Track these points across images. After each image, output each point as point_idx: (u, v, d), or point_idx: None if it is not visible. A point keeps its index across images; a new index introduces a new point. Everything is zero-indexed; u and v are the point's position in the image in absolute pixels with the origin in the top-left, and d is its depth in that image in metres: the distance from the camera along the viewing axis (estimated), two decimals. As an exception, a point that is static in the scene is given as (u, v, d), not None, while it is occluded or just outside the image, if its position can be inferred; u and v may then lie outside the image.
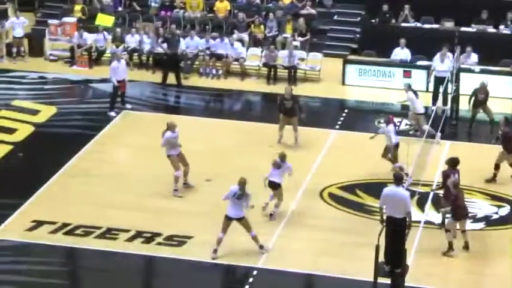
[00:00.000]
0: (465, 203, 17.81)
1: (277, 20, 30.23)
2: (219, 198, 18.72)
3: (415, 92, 23.13)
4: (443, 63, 25.45)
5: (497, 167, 20.72)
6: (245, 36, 29.74)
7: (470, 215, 19.10)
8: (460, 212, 17.49)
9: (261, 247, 17.45)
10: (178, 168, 19.91)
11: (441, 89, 24.78)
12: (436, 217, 18.96)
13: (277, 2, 31.39)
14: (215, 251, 17.33)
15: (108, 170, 21.37)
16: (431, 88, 25.79)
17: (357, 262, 17.12)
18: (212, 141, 22.97)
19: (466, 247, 17.63)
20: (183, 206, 19.47)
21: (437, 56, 25.83)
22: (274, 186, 18.88)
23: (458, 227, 17.58)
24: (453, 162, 18.47)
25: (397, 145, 20.71)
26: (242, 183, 17.25)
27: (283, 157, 18.98)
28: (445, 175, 18.21)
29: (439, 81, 25.40)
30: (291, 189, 20.26)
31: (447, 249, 17.51)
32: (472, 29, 29.17)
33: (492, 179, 20.73)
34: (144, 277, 17.54)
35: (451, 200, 17.44)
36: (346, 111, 25.99)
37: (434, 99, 25.28)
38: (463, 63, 26.25)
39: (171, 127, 20.03)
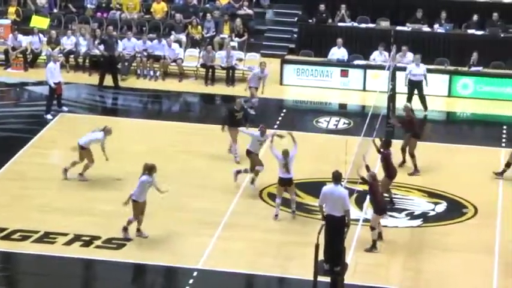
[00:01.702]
0: (383, 196, 18.14)
1: (215, 20, 30.20)
2: (158, 199, 18.63)
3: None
4: (418, 67, 25.65)
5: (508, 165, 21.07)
6: (182, 37, 29.64)
7: (408, 212, 19.34)
8: (381, 206, 17.66)
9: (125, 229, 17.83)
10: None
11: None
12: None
13: (214, 2, 31.35)
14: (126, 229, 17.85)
15: (45, 173, 21.10)
16: (406, 90, 25.92)
17: (296, 261, 17.16)
18: (151, 143, 22.83)
19: (380, 237, 17.83)
20: (122, 208, 19.27)
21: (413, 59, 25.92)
22: (288, 182, 18.88)
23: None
24: (388, 143, 19.15)
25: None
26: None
27: (285, 153, 18.90)
28: (385, 156, 18.97)
29: (414, 84, 25.62)
30: (230, 190, 20.27)
31: (370, 246, 17.56)
32: (408, 28, 29.48)
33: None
34: (83, 281, 17.35)
35: (374, 194, 17.63)
36: (284, 111, 26.06)
37: (409, 102, 25.53)
38: (399, 62, 26.50)
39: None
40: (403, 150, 21.40)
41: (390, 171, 19.26)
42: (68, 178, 20.54)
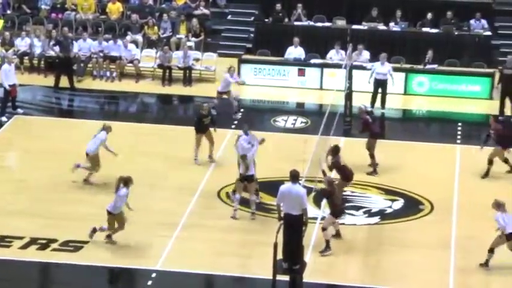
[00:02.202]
0: (341, 199, 18.03)
1: (171, 20, 30.12)
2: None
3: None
4: (383, 65, 25.78)
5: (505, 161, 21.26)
6: (139, 37, 29.53)
7: (365, 209, 19.46)
8: (338, 209, 17.68)
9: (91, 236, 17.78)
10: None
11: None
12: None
13: (171, 2, 31.27)
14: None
15: (1, 175, 20.90)
16: (370, 89, 26.03)
17: (256, 260, 17.19)
18: (108, 144, 22.69)
19: (338, 235, 17.91)
20: (79, 210, 19.19)
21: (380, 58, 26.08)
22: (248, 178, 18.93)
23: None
24: (336, 150, 18.96)
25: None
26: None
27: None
28: (336, 165, 18.90)
29: (378, 83, 25.75)
30: (188, 190, 20.24)
31: (324, 248, 17.51)
32: (363, 26, 29.65)
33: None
34: (41, 285, 17.22)
35: (330, 197, 17.58)
36: (242, 110, 26.06)
37: (373, 101, 25.67)
38: (355, 60, 26.65)
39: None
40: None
41: (346, 174, 19.20)
42: (92, 183, 20.34)
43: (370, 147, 21.33)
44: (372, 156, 21.31)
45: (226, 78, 24.92)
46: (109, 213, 17.57)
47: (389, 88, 25.94)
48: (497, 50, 29.35)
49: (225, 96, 25.07)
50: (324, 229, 17.51)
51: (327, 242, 17.52)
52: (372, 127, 21.43)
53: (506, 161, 21.18)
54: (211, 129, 21.71)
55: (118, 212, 17.58)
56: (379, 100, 25.88)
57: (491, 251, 17.08)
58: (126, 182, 17.59)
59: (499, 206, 17.05)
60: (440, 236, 18.46)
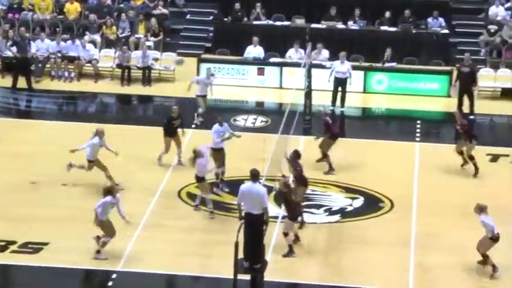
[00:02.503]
0: (297, 202, 17.73)
1: (130, 20, 30.03)
2: (75, 202, 18.47)
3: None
4: (343, 64, 25.86)
5: (471, 158, 21.22)
6: (97, 37, 29.39)
7: (326, 208, 19.54)
8: (295, 213, 17.55)
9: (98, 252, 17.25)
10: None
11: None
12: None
13: (129, 2, 31.17)
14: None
15: (-41, 178, 20.71)
16: (329, 87, 26.10)
17: (217, 260, 17.16)
18: (67, 145, 22.51)
19: (297, 239, 17.82)
20: (39, 212, 19.04)
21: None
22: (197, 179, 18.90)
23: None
24: (296, 155, 18.76)
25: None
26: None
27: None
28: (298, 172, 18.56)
29: (338, 82, 25.82)
30: (148, 190, 20.17)
31: (287, 252, 17.41)
32: (322, 25, 29.77)
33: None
34: (0, 287, 17.07)
35: (287, 199, 17.41)
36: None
37: (334, 99, 25.72)
38: (314, 59, 26.74)
39: None
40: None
41: (303, 181, 18.99)
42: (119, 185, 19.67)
43: (325, 147, 21.32)
44: (325, 155, 21.29)
45: (203, 79, 24.50)
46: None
47: (348, 87, 26.06)
48: (454, 47, 29.64)
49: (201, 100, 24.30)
50: (285, 234, 17.42)
51: (290, 246, 17.45)
52: (332, 128, 21.47)
53: (461, 153, 21.32)
54: (180, 131, 21.46)
55: (105, 219, 17.17)
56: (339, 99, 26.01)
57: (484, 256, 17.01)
58: (109, 191, 17.20)
59: (481, 209, 16.97)
60: (400, 234, 18.58)
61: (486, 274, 16.83)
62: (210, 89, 24.52)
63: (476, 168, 21.09)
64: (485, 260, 16.99)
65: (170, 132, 21.30)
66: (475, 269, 17.11)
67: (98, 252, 17.17)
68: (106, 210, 17.11)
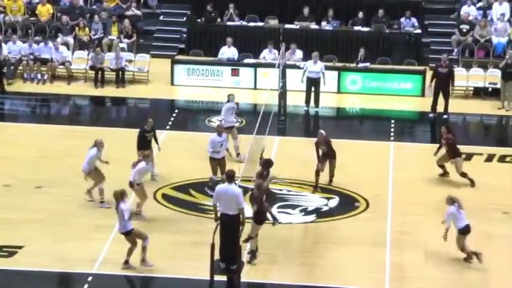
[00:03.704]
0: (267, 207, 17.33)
1: (102, 22, 29.90)
2: (50, 205, 18.34)
3: None
4: (316, 64, 25.88)
5: (463, 175, 20.79)
6: (70, 39, 29.26)
7: (301, 208, 19.57)
8: (262, 217, 17.25)
9: (143, 260, 16.92)
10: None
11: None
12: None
13: (102, 3, 31.04)
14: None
15: None
16: (304, 88, 26.09)
17: (193, 261, 17.11)
18: (41, 147, 22.44)
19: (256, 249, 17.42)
20: (14, 215, 18.91)
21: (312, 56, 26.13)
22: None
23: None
24: (267, 164, 18.16)
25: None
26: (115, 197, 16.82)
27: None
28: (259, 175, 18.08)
29: (311, 82, 25.85)
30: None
31: (250, 257, 17.15)
32: (296, 26, 29.81)
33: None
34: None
35: (257, 202, 17.16)
36: (176, 111, 26.01)
37: (307, 99, 25.85)
38: (288, 59, 26.77)
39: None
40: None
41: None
42: (105, 203, 19.37)
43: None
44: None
45: (229, 107, 22.02)
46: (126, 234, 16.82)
47: (322, 87, 26.10)
48: (427, 47, 29.80)
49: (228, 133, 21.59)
50: (250, 238, 17.09)
51: (253, 251, 17.21)
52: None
53: (442, 166, 21.18)
54: (157, 148, 20.73)
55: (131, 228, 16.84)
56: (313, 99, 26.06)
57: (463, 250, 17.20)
58: (122, 195, 16.90)
59: (452, 201, 17.22)
60: (375, 233, 18.64)
61: (468, 269, 16.92)
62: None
63: (472, 182, 20.70)
64: (467, 254, 17.14)
65: (143, 146, 20.39)
66: (450, 267, 17.20)
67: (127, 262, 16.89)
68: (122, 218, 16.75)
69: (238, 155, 21.46)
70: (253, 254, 17.30)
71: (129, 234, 16.77)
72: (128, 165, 21.32)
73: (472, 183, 20.69)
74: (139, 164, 18.60)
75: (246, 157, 20.20)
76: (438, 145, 21.06)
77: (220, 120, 22.12)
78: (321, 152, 20.43)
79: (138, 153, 20.23)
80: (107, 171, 19.70)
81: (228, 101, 21.91)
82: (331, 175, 20.60)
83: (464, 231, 17.14)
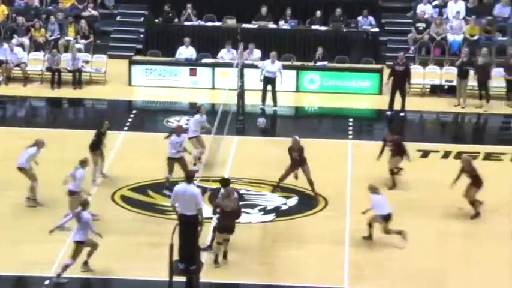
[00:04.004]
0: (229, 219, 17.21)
1: (58, 22, 29.67)
2: (6, 208, 18.15)
3: None
4: (273, 64, 25.87)
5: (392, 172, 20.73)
6: (25, 40, 28.99)
7: (260, 207, 19.58)
8: (225, 224, 17.17)
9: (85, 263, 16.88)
10: None
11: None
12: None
13: (57, 4, 30.79)
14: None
15: None
16: (260, 87, 26.09)
17: (152, 262, 17.04)
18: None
19: (225, 257, 17.42)
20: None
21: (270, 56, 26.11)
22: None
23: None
24: (226, 183, 17.80)
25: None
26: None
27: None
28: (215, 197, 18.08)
29: (268, 81, 25.84)
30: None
31: (214, 260, 17.12)
32: (253, 25, 29.82)
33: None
34: None
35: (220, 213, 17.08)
36: (134, 112, 25.89)
37: (263, 98, 25.90)
38: (246, 59, 26.76)
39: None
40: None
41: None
42: (39, 203, 19.30)
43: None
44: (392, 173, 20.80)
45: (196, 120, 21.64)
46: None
47: (279, 86, 26.11)
48: (384, 46, 29.96)
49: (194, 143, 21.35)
50: (210, 246, 17.02)
51: (216, 256, 17.11)
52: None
53: (393, 172, 20.90)
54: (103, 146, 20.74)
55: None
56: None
57: (388, 232, 17.89)
58: (85, 204, 16.83)
59: (373, 189, 18.00)
60: (334, 231, 18.70)
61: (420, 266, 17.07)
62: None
63: (394, 183, 20.73)
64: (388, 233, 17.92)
65: (96, 148, 20.45)
66: (409, 263, 17.32)
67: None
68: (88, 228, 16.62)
69: (195, 164, 21.08)
70: (216, 259, 17.17)
71: (83, 243, 16.53)
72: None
73: (394, 185, 20.60)
74: (78, 172, 18.32)
75: (204, 160, 20.15)
76: (381, 148, 20.79)
77: (178, 121, 22.04)
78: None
79: (91, 154, 20.21)
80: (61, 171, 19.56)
81: (197, 112, 21.57)
82: (311, 183, 20.15)
83: (387, 218, 17.73)
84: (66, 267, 16.41)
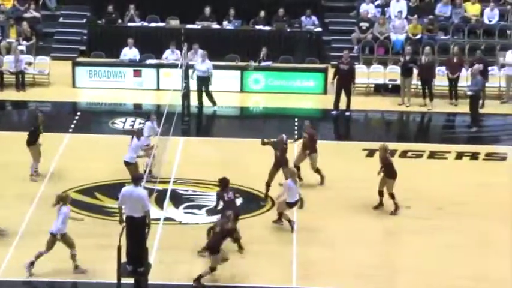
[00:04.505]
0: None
1: (0, 24, 29.31)
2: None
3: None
4: (204, 62, 25.85)
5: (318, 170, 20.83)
6: (-34, 42, 28.61)
7: (208, 208, 19.60)
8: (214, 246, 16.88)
9: (76, 267, 16.79)
10: None
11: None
12: (176, 213, 19.34)
13: (-1, 6, 30.46)
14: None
15: None
16: (194, 87, 26.07)
17: (100, 264, 16.97)
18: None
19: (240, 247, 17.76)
20: None
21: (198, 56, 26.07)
22: None
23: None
24: (225, 183, 18.08)
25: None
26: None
27: None
28: (220, 196, 18.00)
29: (200, 80, 25.81)
30: (26, 199, 19.78)
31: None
32: (197, 26, 29.83)
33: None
34: None
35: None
36: (78, 113, 25.73)
37: (199, 98, 25.89)
38: (191, 59, 26.75)
39: None
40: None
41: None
42: None
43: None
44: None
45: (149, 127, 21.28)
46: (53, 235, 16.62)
47: (227, 86, 26.15)
48: (328, 45, 30.16)
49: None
50: (212, 270, 16.80)
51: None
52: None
53: (299, 168, 20.90)
54: (39, 142, 20.75)
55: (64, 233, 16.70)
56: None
57: (280, 215, 18.70)
58: (63, 199, 16.75)
59: (291, 174, 18.75)
60: (282, 231, 18.78)
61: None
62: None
63: (322, 179, 20.90)
64: (279, 217, 18.74)
65: (33, 141, 20.55)
66: (358, 261, 17.50)
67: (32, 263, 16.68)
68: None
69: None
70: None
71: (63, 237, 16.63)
72: (28, 170, 21.07)
73: (322, 181, 20.88)
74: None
75: (151, 161, 20.10)
76: (300, 139, 21.05)
77: (132, 125, 21.93)
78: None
79: (29, 148, 20.34)
80: (6, 177, 19.40)
81: (148, 120, 21.47)
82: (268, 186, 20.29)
83: (293, 205, 18.63)
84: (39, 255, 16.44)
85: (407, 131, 26.42)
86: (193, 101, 25.69)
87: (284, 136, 20.47)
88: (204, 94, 26.01)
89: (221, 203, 17.83)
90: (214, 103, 26.09)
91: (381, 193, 19.69)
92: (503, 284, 17.06)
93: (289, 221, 18.72)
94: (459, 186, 21.26)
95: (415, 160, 22.84)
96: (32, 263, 16.68)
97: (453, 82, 27.15)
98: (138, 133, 20.35)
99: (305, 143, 20.89)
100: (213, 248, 16.62)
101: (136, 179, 16.19)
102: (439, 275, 17.19)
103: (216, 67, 26.35)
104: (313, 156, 20.83)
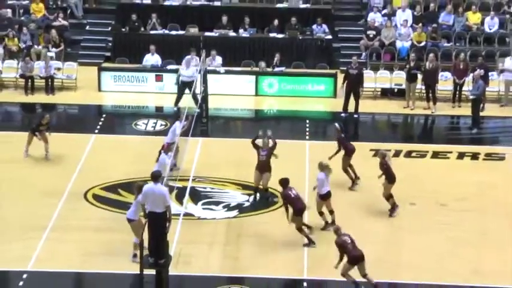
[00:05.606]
0: None
1: (30, 32, 29.52)
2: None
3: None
4: (189, 68, 25.94)
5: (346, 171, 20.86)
6: None
7: (224, 204, 19.69)
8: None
9: (135, 255, 16.87)
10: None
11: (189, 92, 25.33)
12: (194, 209, 19.46)
13: (30, 15, 30.63)
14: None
15: None
16: (222, 91, 26.15)
17: (124, 257, 17.10)
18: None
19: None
20: None
21: (183, 62, 26.27)
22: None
23: None
24: (285, 182, 18.24)
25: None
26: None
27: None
28: (285, 196, 18.17)
29: (185, 85, 25.91)
30: (53, 194, 19.92)
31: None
32: (215, 33, 29.93)
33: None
34: None
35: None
36: (104, 116, 25.87)
37: (177, 101, 26.02)
38: (209, 65, 26.84)
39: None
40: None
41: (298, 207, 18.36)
42: None
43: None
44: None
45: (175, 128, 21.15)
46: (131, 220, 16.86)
47: (241, 90, 26.17)
48: (337, 52, 30.20)
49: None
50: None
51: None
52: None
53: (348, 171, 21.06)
54: (47, 133, 21.79)
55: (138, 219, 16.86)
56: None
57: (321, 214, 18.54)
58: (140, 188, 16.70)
59: (323, 167, 18.56)
60: (293, 226, 18.83)
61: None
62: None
63: (354, 179, 20.96)
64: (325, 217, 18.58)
65: (35, 132, 21.80)
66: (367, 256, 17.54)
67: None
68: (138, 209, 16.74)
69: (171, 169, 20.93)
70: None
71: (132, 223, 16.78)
72: (57, 166, 21.21)
73: (354, 181, 20.85)
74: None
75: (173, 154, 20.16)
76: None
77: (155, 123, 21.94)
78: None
79: (29, 135, 21.72)
80: (36, 173, 19.52)
81: (178, 119, 21.27)
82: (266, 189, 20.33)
83: (326, 196, 18.45)
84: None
85: (412, 133, 26.43)
86: (212, 104, 25.74)
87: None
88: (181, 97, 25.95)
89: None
90: (197, 105, 25.84)
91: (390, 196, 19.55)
92: (502, 276, 17.09)
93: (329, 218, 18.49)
94: (460, 184, 21.27)
95: (419, 160, 22.87)
96: (135, 255, 16.81)
97: (458, 87, 27.13)
98: (167, 148, 20.14)
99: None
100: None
101: (156, 177, 16.27)
102: (441, 269, 17.23)
103: (232, 72, 26.41)
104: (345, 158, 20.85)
